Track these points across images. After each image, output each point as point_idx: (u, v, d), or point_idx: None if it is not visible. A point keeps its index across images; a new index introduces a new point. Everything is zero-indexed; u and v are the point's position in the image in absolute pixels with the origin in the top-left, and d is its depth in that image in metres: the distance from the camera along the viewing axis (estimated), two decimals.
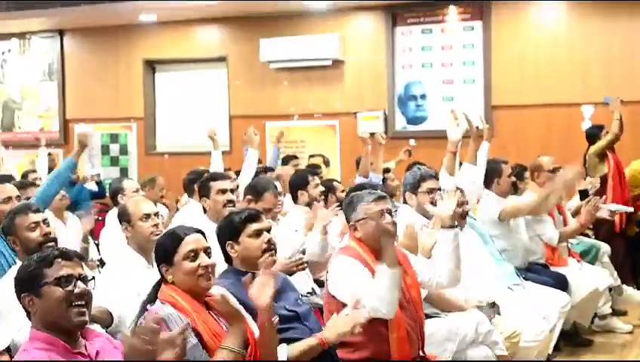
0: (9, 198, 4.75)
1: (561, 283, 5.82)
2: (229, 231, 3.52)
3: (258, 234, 3.48)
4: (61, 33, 11.71)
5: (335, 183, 6.72)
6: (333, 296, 3.80)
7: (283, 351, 3.19)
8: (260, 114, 9.83)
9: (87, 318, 2.64)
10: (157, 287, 3.12)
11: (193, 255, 3.07)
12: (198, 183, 5.31)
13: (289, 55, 10.22)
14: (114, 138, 11.30)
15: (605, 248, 7.12)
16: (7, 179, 5.81)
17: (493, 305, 4.73)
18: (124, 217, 4.24)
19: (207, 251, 3.14)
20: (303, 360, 3.25)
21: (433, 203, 4.76)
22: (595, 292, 6.17)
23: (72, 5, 10.18)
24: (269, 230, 3.56)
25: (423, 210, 4.80)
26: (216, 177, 5.11)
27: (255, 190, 5.23)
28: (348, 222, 3.99)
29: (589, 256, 6.81)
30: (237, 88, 10.78)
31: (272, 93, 10.48)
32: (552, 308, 5.35)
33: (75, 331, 2.62)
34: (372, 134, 7.55)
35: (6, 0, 10.34)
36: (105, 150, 11.33)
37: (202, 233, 3.21)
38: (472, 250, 5.15)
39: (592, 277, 6.26)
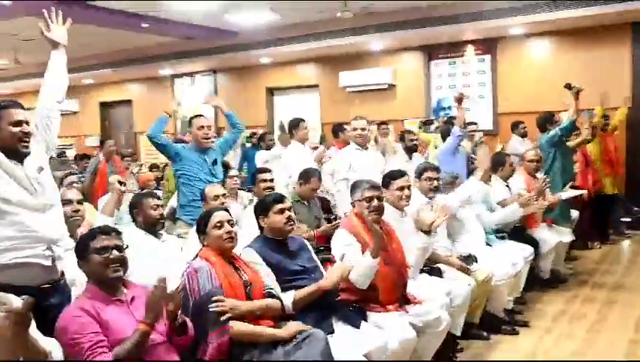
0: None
1: (531, 242, 5.23)
2: (261, 208, 3.26)
3: (282, 211, 3.20)
4: (214, 72, 11.77)
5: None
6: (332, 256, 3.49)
7: (290, 294, 2.93)
8: (341, 121, 9.51)
9: (121, 273, 2.44)
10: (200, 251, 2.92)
11: (219, 225, 2.85)
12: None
13: (359, 82, 9.93)
14: (248, 139, 11.22)
15: (575, 214, 6.35)
16: None
17: (469, 256, 4.25)
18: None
19: (229, 222, 2.89)
20: (306, 301, 2.96)
21: (431, 189, 4.38)
22: (560, 244, 5.56)
23: (221, 53, 10.33)
24: (290, 209, 3.26)
25: (424, 192, 4.40)
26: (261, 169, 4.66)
27: (305, 176, 4.95)
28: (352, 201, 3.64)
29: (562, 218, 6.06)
30: (325, 105, 10.54)
31: (347, 108, 10.05)
32: (519, 256, 4.80)
33: (114, 283, 2.44)
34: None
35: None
36: (243, 147, 11.29)
37: (227, 210, 2.99)
38: (465, 219, 4.70)
39: (558, 234, 5.63)
